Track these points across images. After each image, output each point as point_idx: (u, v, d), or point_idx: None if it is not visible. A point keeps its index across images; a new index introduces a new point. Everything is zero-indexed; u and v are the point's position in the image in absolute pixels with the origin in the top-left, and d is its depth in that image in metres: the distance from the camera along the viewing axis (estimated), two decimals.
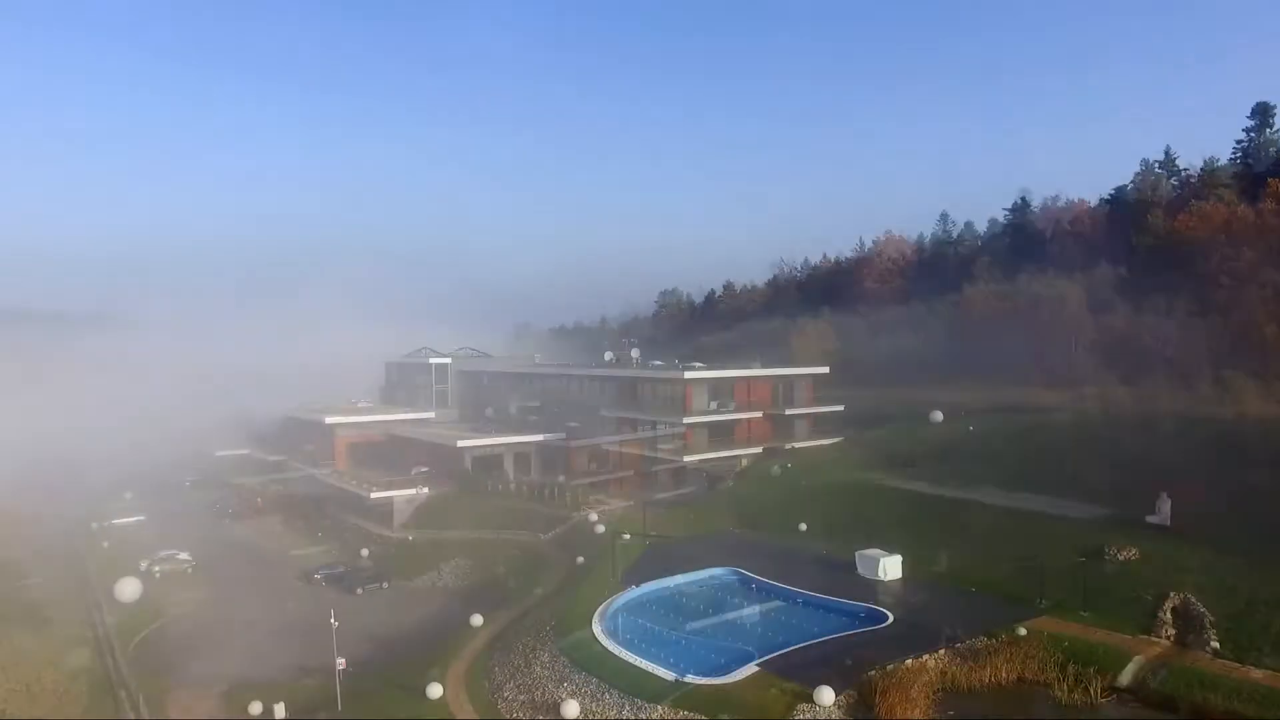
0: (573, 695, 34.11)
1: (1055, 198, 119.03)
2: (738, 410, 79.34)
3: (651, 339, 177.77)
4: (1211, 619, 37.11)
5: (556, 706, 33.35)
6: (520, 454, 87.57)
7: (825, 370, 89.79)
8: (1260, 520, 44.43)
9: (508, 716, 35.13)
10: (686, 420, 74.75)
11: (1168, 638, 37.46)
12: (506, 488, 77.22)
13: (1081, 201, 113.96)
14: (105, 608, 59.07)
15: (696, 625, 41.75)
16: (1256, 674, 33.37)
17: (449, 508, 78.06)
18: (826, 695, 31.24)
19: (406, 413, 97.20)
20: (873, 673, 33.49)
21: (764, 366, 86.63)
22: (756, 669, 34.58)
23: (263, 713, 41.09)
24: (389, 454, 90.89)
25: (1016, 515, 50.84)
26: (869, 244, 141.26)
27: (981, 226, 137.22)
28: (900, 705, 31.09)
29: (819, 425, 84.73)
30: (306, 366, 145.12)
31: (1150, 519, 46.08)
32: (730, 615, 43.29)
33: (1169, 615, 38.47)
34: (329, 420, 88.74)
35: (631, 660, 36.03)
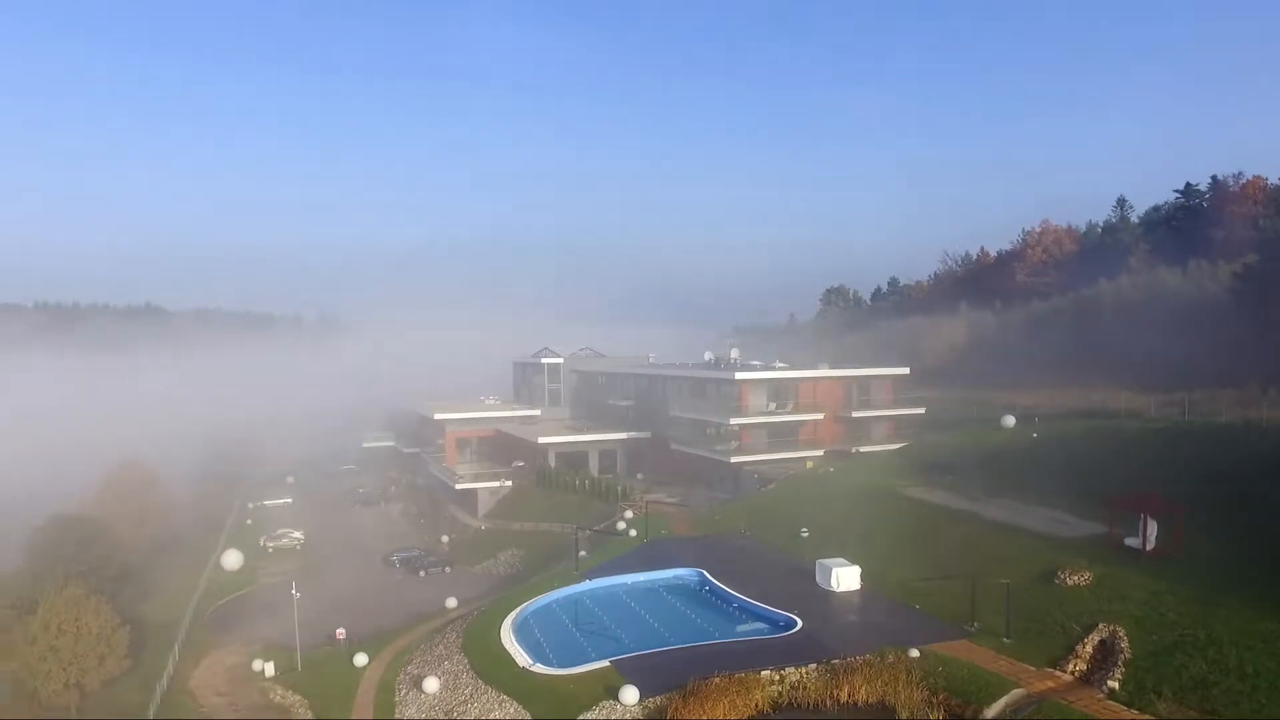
0: (442, 674, 37.01)
1: (1238, 175, 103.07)
2: (800, 412, 77.59)
3: (816, 335, 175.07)
4: (1127, 656, 33.00)
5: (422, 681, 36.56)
6: (605, 451, 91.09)
7: (905, 371, 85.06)
8: (1253, 547, 38.28)
9: (396, 686, 38.66)
10: (737, 421, 74.38)
11: (1073, 673, 33.76)
12: (578, 483, 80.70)
13: (1257, 178, 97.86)
14: (210, 574, 69.71)
15: (610, 619, 42.88)
16: None
17: (525, 500, 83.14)
18: (630, 695, 31.80)
19: (514, 409, 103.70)
20: (716, 678, 33.37)
21: (833, 367, 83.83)
22: (607, 664, 35.54)
23: (260, 669, 47.55)
24: (498, 449, 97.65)
25: (1004, 531, 46.81)
26: (1028, 235, 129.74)
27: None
28: (701, 710, 30.95)
29: (902, 428, 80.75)
30: (488, 362, 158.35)
31: (1129, 541, 40.92)
32: (653, 612, 43.87)
33: (1089, 649, 34.60)
34: (438, 416, 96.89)
35: (505, 647, 38.26)
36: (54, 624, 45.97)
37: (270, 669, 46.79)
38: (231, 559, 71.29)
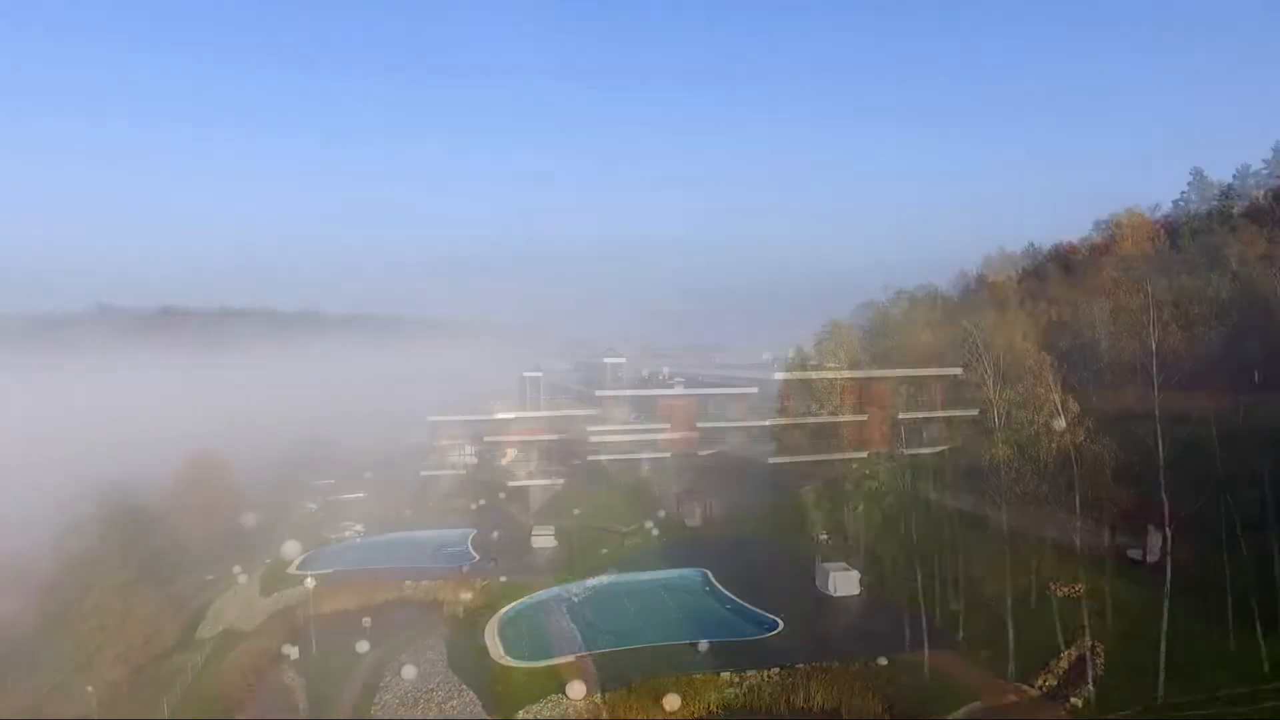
0: (422, 663, 38.66)
1: None
2: (843, 413, 75.95)
3: (893, 331, 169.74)
4: (1099, 672, 31.42)
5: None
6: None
7: (958, 372, 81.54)
8: (1262, 561, 35.52)
9: (384, 672, 40.50)
10: (774, 422, 73.58)
11: (1042, 687, 32.40)
12: (623, 482, 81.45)
13: None
14: (268, 563, 73.92)
15: (599, 616, 43.51)
16: None
17: (574, 499, 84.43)
18: (576, 690, 32.48)
19: (575, 409, 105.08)
20: (669, 677, 33.62)
21: (881, 366, 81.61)
22: (573, 659, 36.29)
23: (287, 653, 50.47)
24: (557, 447, 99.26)
25: (1014, 538, 44.54)
26: (1109, 224, 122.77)
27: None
28: (642, 709, 31.29)
29: (953, 429, 77.83)
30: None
31: (1130, 553, 38.67)
32: (643, 611, 44.28)
33: (1064, 664, 33.08)
34: (499, 415, 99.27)
35: (485, 640, 39.56)
36: (105, 604, 50.16)
37: (295, 653, 49.56)
38: (291, 549, 75.83)
